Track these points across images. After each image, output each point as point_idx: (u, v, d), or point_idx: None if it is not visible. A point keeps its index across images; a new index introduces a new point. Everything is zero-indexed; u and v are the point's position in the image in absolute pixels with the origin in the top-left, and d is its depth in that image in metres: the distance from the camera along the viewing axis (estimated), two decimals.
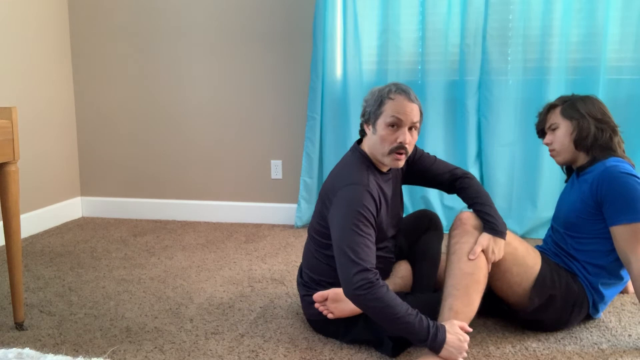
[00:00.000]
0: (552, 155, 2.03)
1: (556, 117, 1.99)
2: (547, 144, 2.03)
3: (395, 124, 1.74)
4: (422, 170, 2.01)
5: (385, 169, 1.88)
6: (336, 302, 1.78)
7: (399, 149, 1.74)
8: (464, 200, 1.96)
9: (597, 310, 1.97)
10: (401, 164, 1.78)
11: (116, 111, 3.60)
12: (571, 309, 1.91)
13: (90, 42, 3.56)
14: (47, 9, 3.37)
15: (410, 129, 1.76)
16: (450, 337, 1.63)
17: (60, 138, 3.51)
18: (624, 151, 1.95)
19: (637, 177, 1.83)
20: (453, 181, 1.99)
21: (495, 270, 1.84)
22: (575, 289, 1.91)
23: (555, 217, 2.08)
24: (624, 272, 1.95)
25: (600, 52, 2.85)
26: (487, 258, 1.78)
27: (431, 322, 1.63)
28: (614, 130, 1.93)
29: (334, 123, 3.20)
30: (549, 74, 2.92)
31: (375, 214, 1.74)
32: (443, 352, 1.62)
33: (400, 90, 1.76)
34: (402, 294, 1.84)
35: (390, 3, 3.05)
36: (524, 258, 1.87)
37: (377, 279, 1.63)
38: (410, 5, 3.05)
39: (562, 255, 2.00)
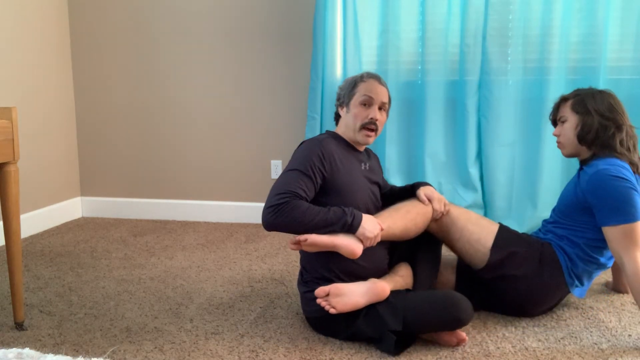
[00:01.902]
0: (558, 147, 2.11)
1: (566, 110, 2.05)
2: (555, 135, 2.10)
3: (367, 103, 1.95)
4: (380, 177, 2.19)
5: (361, 149, 2.03)
6: (338, 296, 1.79)
7: (370, 124, 1.94)
8: (398, 192, 2.15)
9: (572, 281, 1.99)
10: (371, 140, 1.97)
11: (116, 111, 3.60)
12: (538, 265, 1.97)
13: (90, 42, 3.56)
14: (47, 9, 3.37)
15: (380, 109, 1.97)
16: (366, 219, 1.82)
17: (60, 138, 3.51)
18: (629, 149, 1.97)
19: (627, 180, 1.86)
20: (389, 191, 2.20)
21: (453, 230, 2.02)
22: (538, 245, 2.01)
23: (556, 205, 2.15)
24: (602, 258, 1.99)
25: (600, 52, 2.85)
26: (430, 198, 1.98)
27: (346, 208, 1.81)
28: (618, 128, 1.95)
29: (334, 123, 3.19)
30: (549, 74, 2.92)
31: (322, 163, 1.87)
32: (359, 231, 1.80)
33: (372, 75, 2.00)
34: (403, 291, 1.86)
35: (390, 3, 3.05)
36: (478, 219, 2.06)
37: (296, 197, 1.77)
38: (410, 5, 3.05)
39: (542, 230, 2.13)
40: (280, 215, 1.74)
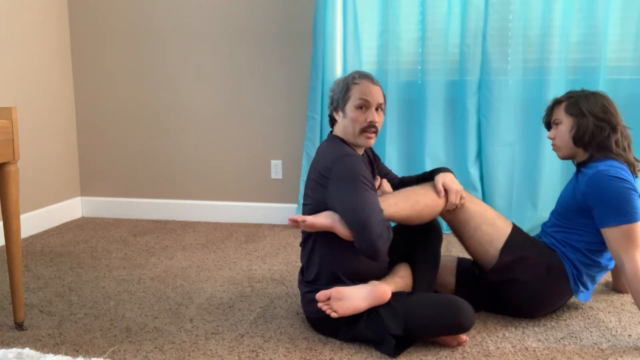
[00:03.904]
0: (553, 150, 2.10)
1: (560, 113, 2.04)
2: (550, 138, 2.09)
3: (364, 106, 1.89)
4: (379, 168, 2.16)
5: (360, 152, 1.99)
6: (339, 300, 1.79)
7: (370, 127, 1.89)
8: (415, 182, 2.11)
9: (578, 287, 1.99)
10: (372, 142, 1.93)
11: (116, 111, 3.60)
12: (546, 272, 1.96)
13: (90, 42, 3.56)
14: (47, 9, 3.37)
15: (376, 109, 1.91)
16: None
17: (60, 138, 3.51)
18: (624, 149, 1.97)
19: (626, 180, 1.87)
20: (399, 181, 2.17)
21: (467, 227, 2.00)
22: (549, 252, 2.00)
23: (554, 209, 2.15)
24: (603, 260, 2.00)
25: (600, 52, 2.85)
26: (448, 189, 1.93)
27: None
28: (613, 129, 1.96)
29: None
30: (549, 74, 2.92)
31: (371, 179, 1.86)
32: None
33: (363, 75, 1.93)
34: (404, 294, 1.85)
35: (390, 3, 3.05)
36: (494, 219, 2.01)
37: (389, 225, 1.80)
38: (410, 5, 3.05)
39: (543, 235, 2.11)
40: (387, 242, 1.78)
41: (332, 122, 2.01)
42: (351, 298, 1.78)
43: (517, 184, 3.06)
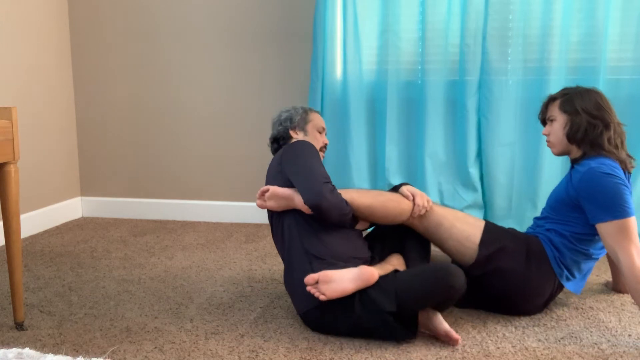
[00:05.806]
0: (548, 146, 2.13)
1: (554, 110, 2.08)
2: (544, 135, 2.13)
3: (322, 131, 2.25)
4: None
5: None
6: (327, 283, 1.81)
7: (324, 147, 2.24)
8: None
9: (562, 271, 2.01)
10: None
11: (116, 111, 3.60)
12: (526, 257, 1.99)
13: (90, 42, 3.56)
14: (47, 9, 3.37)
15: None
16: None
17: (60, 138, 3.51)
18: (616, 146, 2.00)
19: (618, 177, 1.91)
20: None
21: (442, 230, 2.05)
22: (525, 237, 2.05)
23: (546, 202, 2.18)
24: (590, 249, 2.02)
25: (600, 52, 2.85)
26: (413, 193, 2.02)
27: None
28: (606, 126, 1.99)
29: (333, 123, 3.20)
30: (549, 74, 2.92)
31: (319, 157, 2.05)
32: None
33: (312, 109, 2.29)
34: (391, 273, 1.88)
35: (390, 3, 3.05)
36: (465, 217, 2.09)
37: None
38: (410, 5, 3.05)
39: (532, 227, 2.15)
40: (335, 196, 1.89)
41: (283, 141, 2.21)
42: (339, 280, 1.80)
43: (517, 184, 3.06)
